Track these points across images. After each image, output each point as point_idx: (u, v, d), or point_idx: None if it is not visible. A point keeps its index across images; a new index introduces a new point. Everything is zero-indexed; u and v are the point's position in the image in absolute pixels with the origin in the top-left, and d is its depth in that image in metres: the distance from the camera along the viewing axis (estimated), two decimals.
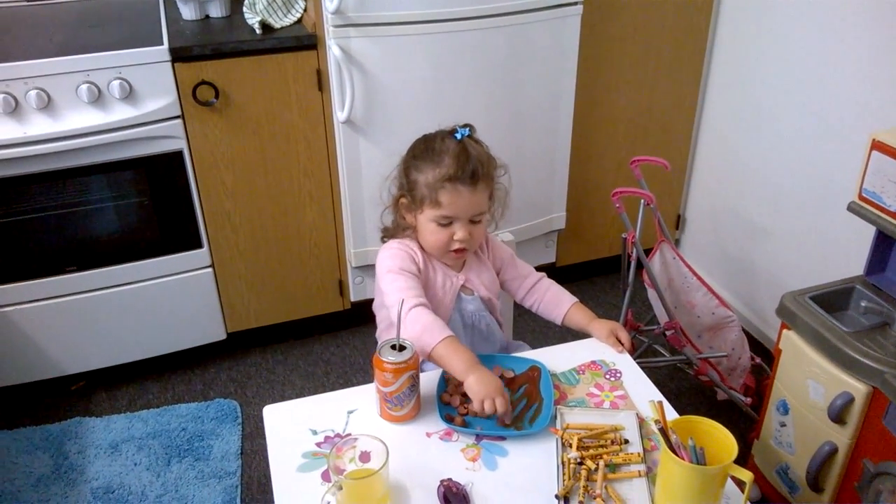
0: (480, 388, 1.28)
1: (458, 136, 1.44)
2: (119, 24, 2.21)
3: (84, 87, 1.93)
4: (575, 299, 1.61)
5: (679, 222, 2.85)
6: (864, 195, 1.63)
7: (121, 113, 1.99)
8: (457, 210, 1.44)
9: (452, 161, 1.42)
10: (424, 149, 1.47)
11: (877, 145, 1.57)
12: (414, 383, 1.27)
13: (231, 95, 2.08)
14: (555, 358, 1.44)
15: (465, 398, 1.33)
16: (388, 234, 1.58)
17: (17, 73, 1.89)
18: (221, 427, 2.20)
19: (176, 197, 2.15)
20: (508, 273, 1.64)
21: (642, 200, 2.03)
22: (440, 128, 1.50)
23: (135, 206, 2.14)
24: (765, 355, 2.33)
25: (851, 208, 1.67)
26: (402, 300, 1.36)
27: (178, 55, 2.00)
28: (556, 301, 1.61)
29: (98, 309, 2.21)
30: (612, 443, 1.23)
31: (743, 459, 1.92)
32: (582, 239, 2.70)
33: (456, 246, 1.47)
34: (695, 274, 2.17)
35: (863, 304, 1.67)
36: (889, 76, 1.89)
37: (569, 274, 2.67)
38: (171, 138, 2.07)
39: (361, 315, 2.55)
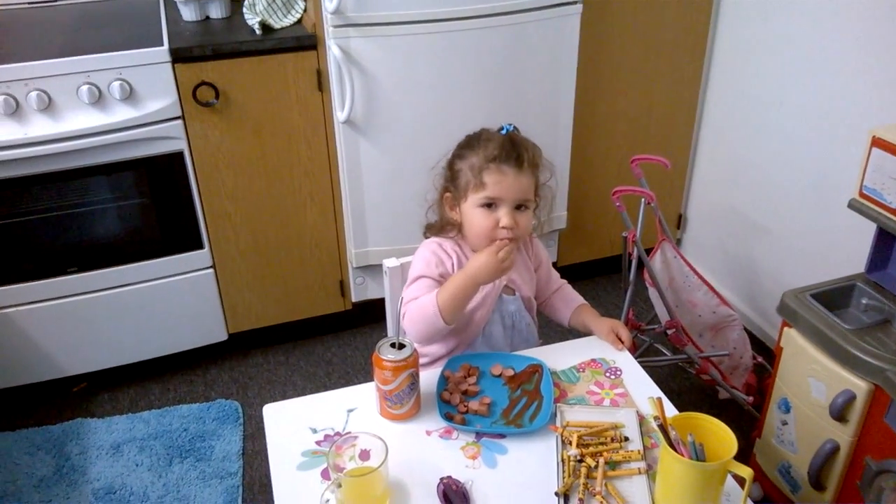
0: (481, 263, 1.36)
1: (504, 131, 1.45)
2: (119, 26, 2.22)
3: (84, 88, 1.94)
4: (583, 301, 1.61)
5: (680, 221, 2.84)
6: (864, 192, 1.62)
7: (121, 114, 1.99)
8: (501, 191, 1.40)
9: (497, 145, 1.41)
10: (468, 141, 1.48)
11: (876, 142, 1.57)
12: (413, 381, 1.27)
13: (231, 96, 2.08)
14: (555, 356, 1.44)
15: (465, 396, 1.33)
16: (430, 230, 1.56)
17: (18, 75, 1.89)
18: (223, 428, 2.20)
19: (177, 198, 2.16)
20: (542, 274, 1.63)
21: (643, 199, 2.03)
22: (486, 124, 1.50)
23: (136, 206, 2.15)
24: (766, 354, 2.33)
25: (852, 205, 1.66)
26: (402, 298, 1.37)
27: (179, 56, 2.00)
28: (565, 303, 1.62)
29: (99, 310, 2.21)
30: (612, 440, 1.23)
31: (745, 458, 1.92)
32: (583, 238, 2.69)
33: (503, 234, 1.41)
34: (696, 273, 2.16)
35: (864, 301, 1.67)
36: (889, 73, 1.89)
37: (570, 273, 2.62)
38: (172, 139, 2.07)
39: (363, 315, 2.56)
